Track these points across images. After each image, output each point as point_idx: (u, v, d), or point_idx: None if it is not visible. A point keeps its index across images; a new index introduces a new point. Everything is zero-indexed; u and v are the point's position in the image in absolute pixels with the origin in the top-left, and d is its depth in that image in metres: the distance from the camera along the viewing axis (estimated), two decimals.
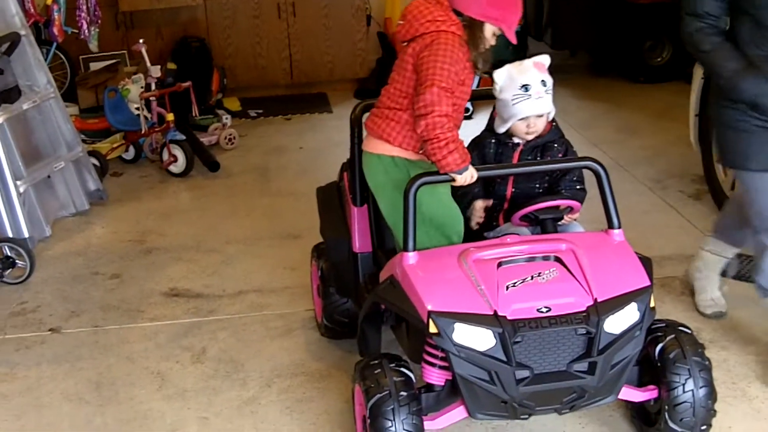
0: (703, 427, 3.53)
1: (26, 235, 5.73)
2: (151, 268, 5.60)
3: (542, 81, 3.76)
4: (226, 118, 8.07)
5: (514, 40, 3.75)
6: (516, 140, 3.86)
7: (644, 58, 9.03)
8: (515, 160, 3.88)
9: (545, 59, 3.85)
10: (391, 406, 3.30)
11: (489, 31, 3.67)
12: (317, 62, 9.31)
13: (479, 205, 3.85)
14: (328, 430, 3.93)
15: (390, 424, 3.29)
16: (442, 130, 3.48)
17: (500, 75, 3.80)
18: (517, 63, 3.83)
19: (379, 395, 3.33)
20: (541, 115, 3.79)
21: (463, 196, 3.86)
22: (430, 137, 3.49)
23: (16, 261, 5.43)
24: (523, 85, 3.73)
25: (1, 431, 4.05)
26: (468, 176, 3.52)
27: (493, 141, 3.89)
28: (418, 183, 3.47)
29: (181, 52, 8.37)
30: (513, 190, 3.90)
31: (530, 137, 3.83)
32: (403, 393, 3.33)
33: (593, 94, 8.71)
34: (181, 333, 4.80)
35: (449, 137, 3.48)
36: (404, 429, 3.29)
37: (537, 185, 3.92)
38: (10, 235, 5.66)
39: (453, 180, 3.53)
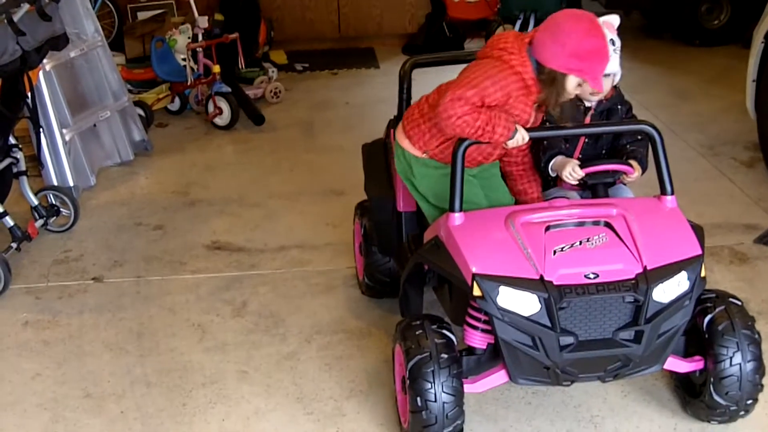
0: (749, 401, 3.47)
1: (71, 183, 5.77)
2: (194, 220, 5.60)
3: (611, 40, 3.63)
4: (272, 72, 8.03)
5: (600, 89, 3.51)
6: (587, 103, 3.77)
7: (700, 20, 8.86)
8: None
9: (615, 19, 3.72)
10: (432, 368, 3.27)
11: (572, 83, 3.45)
12: (366, 16, 9.24)
13: (561, 159, 3.71)
14: (366, 388, 3.92)
15: (429, 386, 3.26)
16: (471, 127, 3.39)
17: None
18: None
19: (419, 356, 3.30)
20: (608, 75, 3.67)
21: (544, 152, 3.77)
22: (468, 136, 3.41)
23: (61, 209, 5.45)
24: None
25: (43, 378, 4.09)
26: (519, 138, 3.45)
27: (564, 104, 3.74)
28: (466, 144, 3.40)
29: (228, 3, 8.31)
30: (580, 155, 3.81)
31: (595, 98, 3.74)
32: (443, 355, 3.30)
33: (646, 57, 8.56)
34: (222, 286, 4.80)
35: (480, 124, 3.39)
36: (444, 391, 3.26)
37: (603, 150, 3.84)
38: (55, 183, 5.70)
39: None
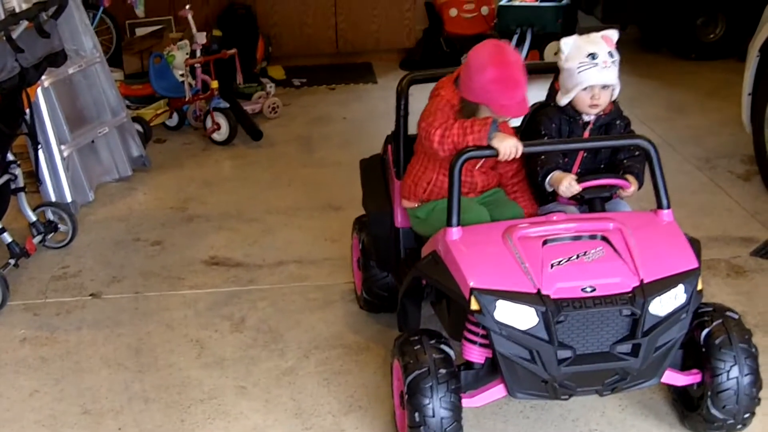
0: (746, 415, 3.47)
1: (69, 199, 5.76)
2: (192, 235, 5.60)
3: (609, 53, 3.69)
4: (270, 87, 8.03)
5: (507, 115, 3.66)
6: (586, 117, 3.79)
7: (696, 34, 8.88)
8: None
9: (613, 34, 3.77)
10: (430, 383, 3.27)
11: (484, 110, 3.67)
12: (363, 31, 9.24)
13: (558, 174, 3.71)
14: (365, 403, 3.92)
15: (428, 401, 3.26)
16: (453, 128, 3.57)
17: (567, 43, 3.72)
18: (585, 35, 3.76)
19: (417, 372, 3.30)
20: (606, 87, 3.70)
21: (542, 167, 3.77)
22: (457, 143, 3.55)
23: (59, 225, 5.44)
24: (590, 54, 3.66)
25: (41, 394, 4.07)
26: (512, 148, 3.44)
27: (562, 117, 3.81)
28: (464, 157, 3.41)
29: (226, 19, 8.35)
30: (579, 170, 3.83)
31: (594, 111, 3.75)
32: (442, 370, 3.30)
33: (643, 71, 8.58)
34: (220, 302, 4.80)
35: (457, 125, 3.56)
36: (442, 406, 3.27)
37: (602, 165, 3.86)
38: (53, 199, 5.70)
39: (496, 155, 3.46)
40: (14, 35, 4.68)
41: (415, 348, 3.38)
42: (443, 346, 3.40)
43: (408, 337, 3.48)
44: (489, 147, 3.46)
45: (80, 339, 4.50)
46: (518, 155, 3.47)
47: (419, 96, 3.95)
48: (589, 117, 3.79)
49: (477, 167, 3.87)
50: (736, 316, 3.51)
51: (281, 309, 4.70)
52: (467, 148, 3.47)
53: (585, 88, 3.69)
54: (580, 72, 3.66)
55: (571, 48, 3.70)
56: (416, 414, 3.28)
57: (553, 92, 3.88)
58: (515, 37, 8.60)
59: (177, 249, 5.42)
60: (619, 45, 3.74)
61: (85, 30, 6.24)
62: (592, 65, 3.65)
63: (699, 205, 5.72)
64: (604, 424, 3.73)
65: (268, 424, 3.82)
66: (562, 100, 3.76)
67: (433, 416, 3.26)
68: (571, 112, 3.79)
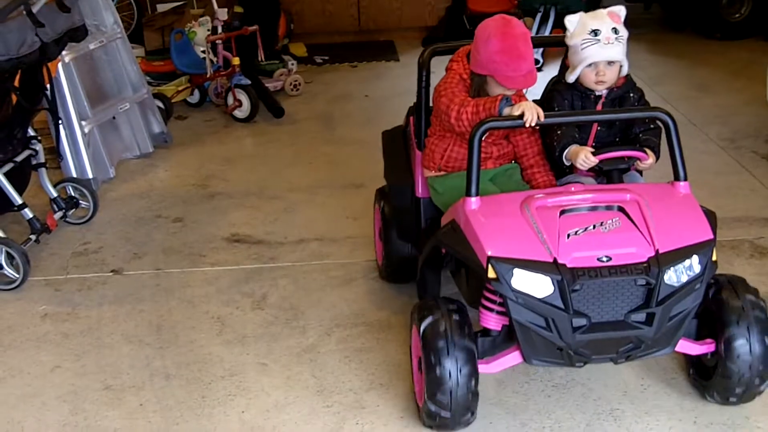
0: (759, 383, 3.47)
1: (90, 175, 5.79)
2: (213, 212, 5.60)
3: (614, 29, 3.69)
4: (292, 64, 8.03)
5: (511, 86, 3.67)
6: (598, 92, 3.79)
7: (721, 13, 8.81)
8: None
9: (620, 10, 3.78)
10: (444, 327, 3.32)
11: (492, 82, 3.72)
12: (385, 9, 9.24)
13: (575, 148, 3.69)
14: (386, 380, 3.91)
15: (442, 343, 3.30)
16: (472, 106, 3.61)
17: (572, 21, 3.76)
18: (591, 12, 3.78)
19: (432, 317, 3.36)
20: (611, 63, 3.70)
21: (558, 142, 3.76)
22: (477, 115, 3.58)
23: (80, 201, 5.46)
24: (593, 30, 3.68)
25: (62, 370, 4.09)
26: (533, 115, 3.41)
27: (574, 93, 3.81)
28: (484, 127, 3.41)
29: None
30: (594, 143, 3.81)
31: (600, 87, 3.75)
32: (455, 317, 3.35)
33: (667, 50, 8.51)
34: (242, 279, 4.80)
35: (470, 113, 3.60)
36: (459, 369, 3.28)
37: (617, 138, 3.84)
38: (74, 174, 5.72)
39: (522, 124, 3.43)
40: (35, 9, 4.67)
41: (430, 304, 3.45)
42: (459, 309, 3.43)
43: (425, 301, 3.52)
44: (514, 116, 3.44)
45: (101, 315, 4.51)
46: (542, 119, 3.43)
47: (441, 70, 3.94)
48: (599, 92, 3.78)
49: (485, 136, 3.84)
50: (750, 286, 3.51)
51: (303, 286, 4.70)
52: (488, 119, 3.46)
53: (589, 65, 3.71)
54: (583, 49, 3.70)
55: (576, 25, 3.76)
56: (432, 355, 3.30)
57: (564, 68, 3.89)
58: (539, 15, 8.53)
59: (198, 226, 5.43)
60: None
61: (106, 5, 6.25)
62: (594, 42, 3.68)
63: (723, 185, 5.67)
64: (626, 403, 3.71)
65: (289, 401, 3.82)
66: (570, 77, 3.79)
67: (450, 378, 3.28)
68: (582, 88, 3.80)
